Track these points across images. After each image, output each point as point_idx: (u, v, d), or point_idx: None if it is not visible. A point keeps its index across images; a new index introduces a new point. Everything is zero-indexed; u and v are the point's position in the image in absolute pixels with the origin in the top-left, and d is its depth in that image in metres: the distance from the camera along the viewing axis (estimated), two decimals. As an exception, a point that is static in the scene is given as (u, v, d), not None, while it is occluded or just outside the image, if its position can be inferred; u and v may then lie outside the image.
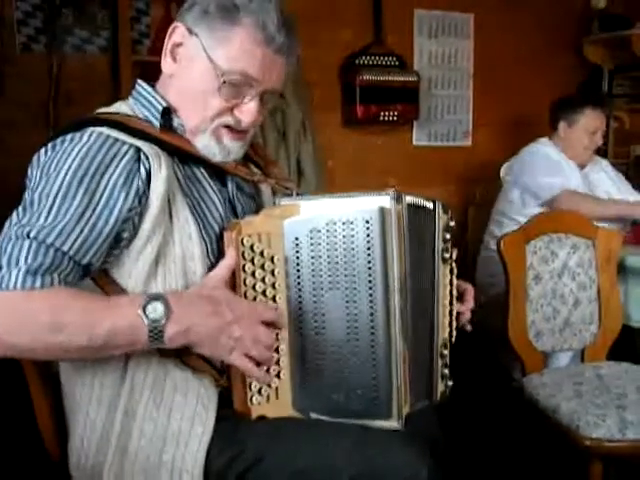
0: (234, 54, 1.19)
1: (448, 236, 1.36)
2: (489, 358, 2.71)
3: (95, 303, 1.07)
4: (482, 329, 1.50)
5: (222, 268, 1.15)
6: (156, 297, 1.07)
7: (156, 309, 1.05)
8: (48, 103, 2.75)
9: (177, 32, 1.23)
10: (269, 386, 1.20)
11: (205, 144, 1.25)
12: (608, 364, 2.15)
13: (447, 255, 1.36)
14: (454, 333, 1.42)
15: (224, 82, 1.19)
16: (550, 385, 1.97)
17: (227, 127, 1.24)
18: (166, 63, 1.26)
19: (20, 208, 1.12)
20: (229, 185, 1.32)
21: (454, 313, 1.42)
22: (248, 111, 1.23)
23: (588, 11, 3.73)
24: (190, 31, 1.21)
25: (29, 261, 1.04)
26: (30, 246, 1.04)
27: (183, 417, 1.17)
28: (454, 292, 1.41)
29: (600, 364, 2.15)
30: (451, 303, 1.40)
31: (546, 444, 2.17)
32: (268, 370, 1.19)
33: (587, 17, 3.75)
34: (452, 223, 1.38)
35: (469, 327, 1.46)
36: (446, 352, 1.38)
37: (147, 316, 1.05)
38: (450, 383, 1.38)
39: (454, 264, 1.41)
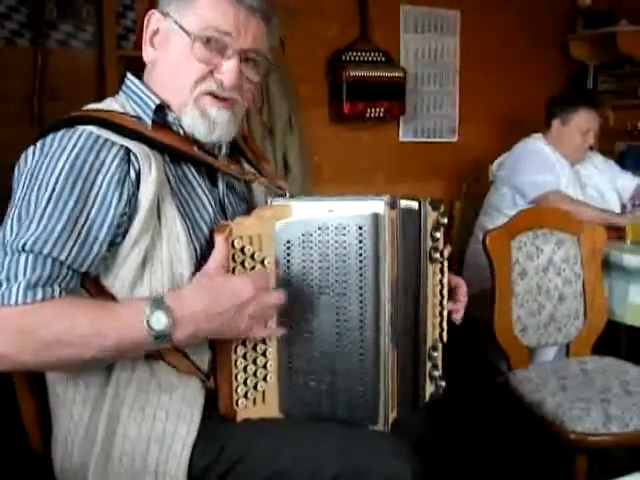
0: (202, 12, 1.18)
1: (438, 235, 1.32)
2: (475, 350, 2.72)
3: (99, 315, 1.04)
4: (469, 322, 1.49)
5: (215, 257, 1.12)
6: (158, 305, 1.04)
7: (159, 320, 1.03)
8: (33, 98, 2.73)
9: (152, 19, 1.24)
10: (256, 389, 1.19)
11: (190, 119, 1.21)
12: (593, 359, 2.17)
13: (437, 255, 1.32)
14: (445, 334, 1.39)
15: (194, 39, 1.17)
16: (535, 380, 1.98)
17: (210, 95, 1.21)
18: (147, 52, 1.25)
19: (12, 217, 1.08)
20: (220, 185, 1.29)
21: (445, 313, 1.39)
22: (228, 70, 1.19)
23: (573, 8, 3.75)
24: (163, 14, 1.22)
25: (27, 275, 1.01)
26: (27, 259, 1.02)
27: (168, 418, 1.15)
28: (444, 292, 1.38)
29: (585, 359, 2.16)
30: (441, 303, 1.38)
31: (531, 438, 2.18)
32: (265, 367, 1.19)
33: (572, 14, 3.77)
34: (444, 220, 1.33)
35: (459, 321, 1.43)
36: (436, 354, 1.35)
37: (151, 328, 1.03)
38: (443, 384, 1.36)
39: (445, 262, 1.37)
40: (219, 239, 1.12)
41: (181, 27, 1.18)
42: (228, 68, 1.19)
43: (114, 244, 1.11)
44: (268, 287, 1.14)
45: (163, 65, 1.23)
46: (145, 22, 1.25)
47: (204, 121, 1.21)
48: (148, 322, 1.03)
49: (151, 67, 1.26)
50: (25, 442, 1.33)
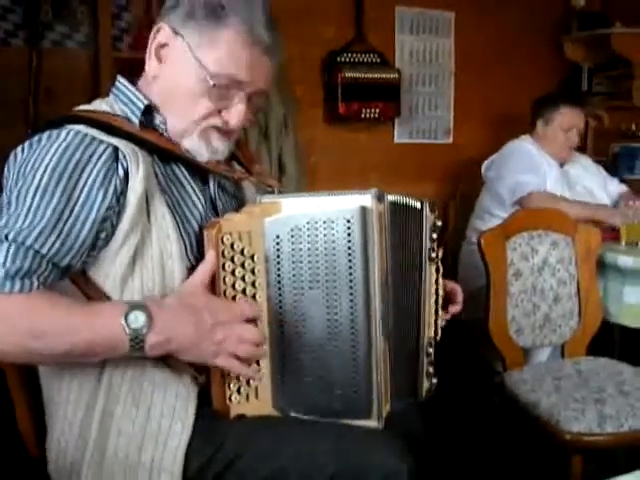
0: (221, 56, 1.18)
1: (435, 235, 1.36)
2: (470, 350, 2.73)
3: (76, 310, 1.06)
4: (464, 321, 1.50)
5: (201, 273, 1.14)
6: (138, 306, 1.06)
7: (138, 318, 1.05)
8: (28, 99, 2.72)
9: (161, 33, 1.21)
10: (249, 385, 1.19)
11: (193, 145, 1.24)
12: (587, 359, 2.17)
13: (434, 255, 1.36)
14: (439, 331, 1.43)
15: (213, 85, 1.18)
16: (530, 380, 1.99)
17: (215, 128, 1.24)
18: (151, 64, 1.23)
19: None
20: (210, 184, 1.31)
21: (440, 312, 1.42)
22: (236, 113, 1.22)
23: (568, 10, 3.76)
24: (175, 31, 1.20)
25: (7, 264, 1.02)
26: (8, 249, 1.03)
27: (162, 415, 1.16)
28: (440, 291, 1.42)
29: (579, 359, 2.17)
30: (437, 302, 1.41)
31: (527, 438, 2.18)
32: (258, 363, 1.19)
33: (567, 16, 3.78)
34: (439, 222, 1.38)
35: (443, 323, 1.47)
36: (431, 350, 1.38)
37: (128, 325, 1.04)
38: (435, 381, 1.38)
39: (440, 263, 1.41)
40: (210, 253, 1.14)
41: (198, 60, 1.18)
42: (237, 111, 1.22)
43: (99, 239, 1.12)
44: (246, 318, 1.15)
45: (168, 85, 1.23)
46: (152, 32, 1.23)
47: (207, 148, 1.25)
48: (126, 319, 1.04)
49: (151, 79, 1.25)
50: (20, 443, 1.33)
